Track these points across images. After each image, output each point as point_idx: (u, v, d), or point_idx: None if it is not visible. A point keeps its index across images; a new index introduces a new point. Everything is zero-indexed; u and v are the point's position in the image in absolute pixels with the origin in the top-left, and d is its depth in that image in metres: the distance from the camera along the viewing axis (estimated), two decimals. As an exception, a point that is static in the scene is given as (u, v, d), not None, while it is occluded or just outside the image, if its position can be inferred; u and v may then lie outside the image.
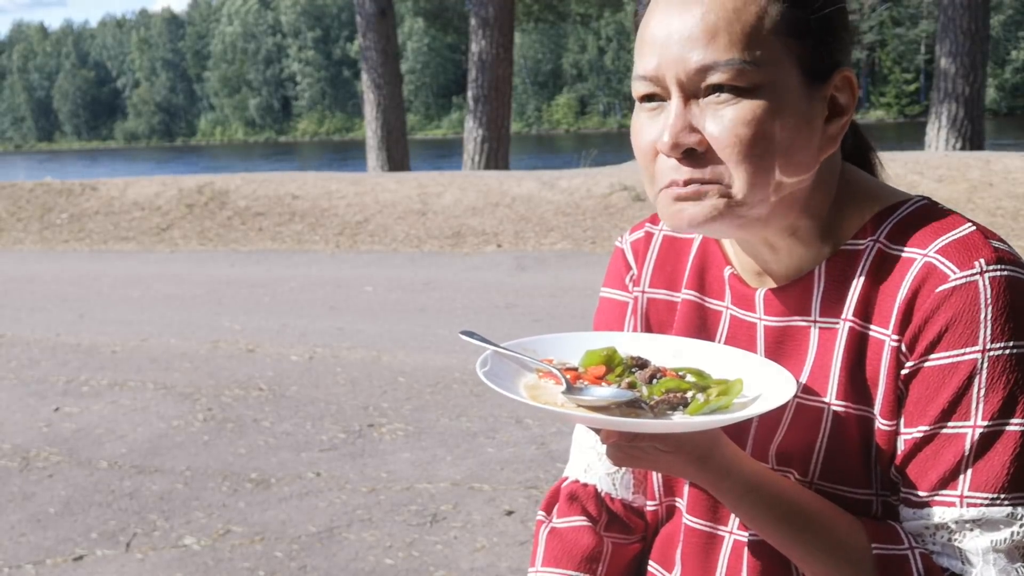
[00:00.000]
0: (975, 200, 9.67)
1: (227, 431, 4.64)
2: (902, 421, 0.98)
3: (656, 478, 1.19)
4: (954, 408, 0.94)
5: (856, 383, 1.00)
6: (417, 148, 34.34)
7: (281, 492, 3.89)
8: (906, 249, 0.98)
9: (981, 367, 0.92)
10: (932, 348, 0.95)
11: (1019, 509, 0.92)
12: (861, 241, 1.02)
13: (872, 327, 0.99)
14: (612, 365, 1.03)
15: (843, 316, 1.01)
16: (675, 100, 0.95)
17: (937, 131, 13.61)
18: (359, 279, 8.70)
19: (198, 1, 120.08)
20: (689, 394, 0.96)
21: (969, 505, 0.93)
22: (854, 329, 1.00)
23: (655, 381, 0.98)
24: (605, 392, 0.96)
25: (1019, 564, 0.93)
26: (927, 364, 0.95)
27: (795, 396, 1.03)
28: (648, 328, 1.19)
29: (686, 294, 1.16)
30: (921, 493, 0.96)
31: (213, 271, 9.50)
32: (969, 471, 0.93)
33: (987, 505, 0.92)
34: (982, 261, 0.93)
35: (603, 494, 1.23)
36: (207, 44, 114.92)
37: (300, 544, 3.42)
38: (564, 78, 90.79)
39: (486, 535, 3.44)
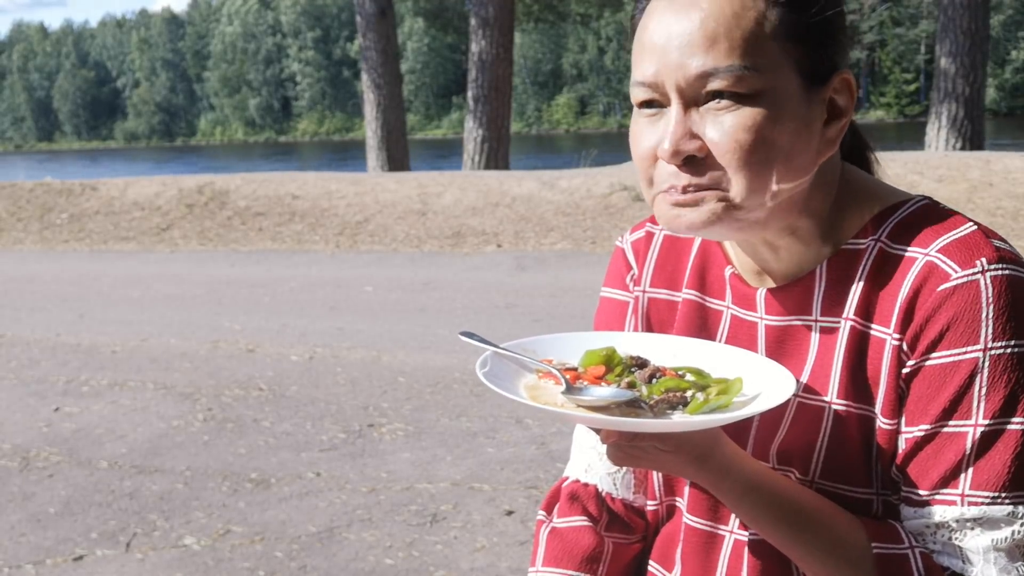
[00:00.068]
0: (975, 200, 9.67)
1: (227, 431, 4.64)
2: (903, 420, 0.98)
3: (656, 478, 1.19)
4: (955, 407, 0.94)
5: (857, 382, 1.00)
6: (417, 148, 34.34)
7: (281, 492, 3.89)
8: (907, 248, 0.98)
9: (982, 366, 0.92)
10: (933, 347, 0.95)
11: (1020, 508, 0.92)
12: (862, 241, 1.02)
13: (873, 326, 0.99)
14: (611, 365, 1.03)
15: (844, 315, 1.01)
16: (675, 106, 0.95)
17: (937, 131, 13.61)
18: (359, 279, 8.71)
19: (198, 1, 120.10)
20: (689, 393, 0.96)
21: (970, 504, 0.93)
22: (855, 328, 1.00)
23: (655, 380, 0.98)
24: (605, 392, 0.96)
25: (1020, 563, 0.93)
26: (928, 363, 0.95)
27: (795, 395, 1.03)
28: (649, 328, 1.19)
29: (687, 294, 1.16)
30: (922, 492, 0.96)
31: (213, 271, 9.50)
32: (970, 470, 0.93)
33: (988, 504, 0.92)
34: (983, 260, 0.93)
35: (604, 494, 1.23)
36: (207, 44, 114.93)
37: (300, 544, 3.42)
38: (564, 78, 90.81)
39: (486, 535, 3.44)
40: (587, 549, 1.19)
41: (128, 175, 16.86)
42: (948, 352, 0.94)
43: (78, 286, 8.91)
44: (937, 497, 0.95)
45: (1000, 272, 0.93)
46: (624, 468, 1.22)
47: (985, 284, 0.92)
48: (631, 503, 1.23)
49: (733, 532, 1.10)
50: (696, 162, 0.95)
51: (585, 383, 1.00)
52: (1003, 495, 0.92)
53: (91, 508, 3.80)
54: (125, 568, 3.30)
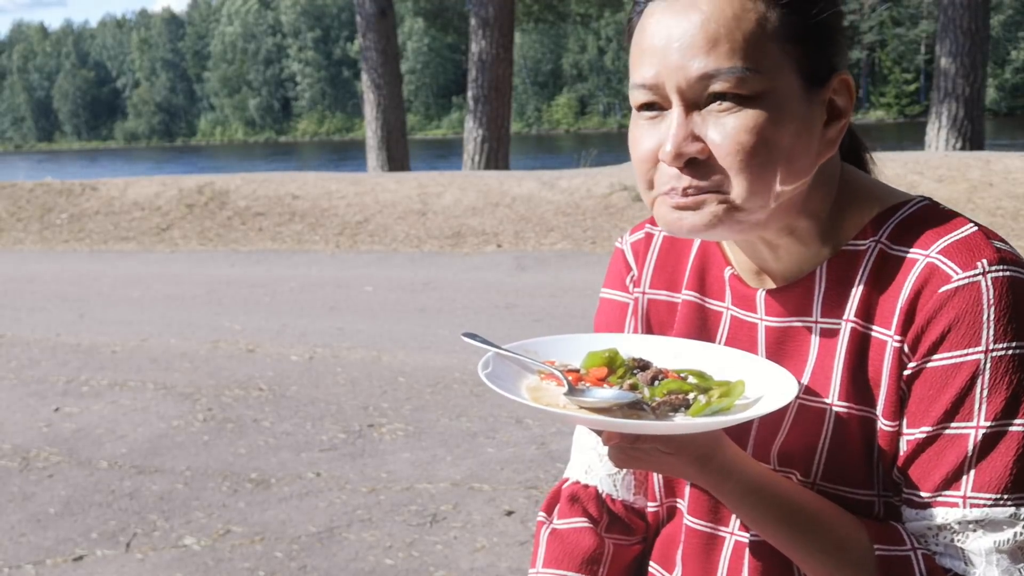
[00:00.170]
0: (975, 200, 9.67)
1: (227, 431, 4.64)
2: (904, 422, 0.98)
3: (657, 479, 1.19)
4: (957, 409, 0.94)
5: (858, 384, 1.00)
6: (417, 148, 34.35)
7: (281, 492, 3.89)
8: (908, 250, 0.98)
9: (984, 367, 0.92)
10: (935, 349, 0.94)
11: (1022, 509, 0.92)
12: (862, 242, 1.02)
13: (874, 328, 0.99)
14: (614, 367, 1.03)
15: (845, 317, 1.01)
16: (676, 109, 0.94)
17: (937, 131, 13.61)
18: (359, 279, 8.71)
19: (198, 1, 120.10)
20: (691, 395, 0.96)
21: (972, 506, 0.93)
22: (856, 330, 1.00)
23: (657, 383, 0.98)
24: (607, 394, 0.96)
25: (1022, 565, 0.93)
26: (930, 364, 0.95)
27: (797, 397, 1.03)
28: (648, 329, 1.19)
29: (686, 295, 1.15)
30: (924, 494, 0.96)
31: (213, 271, 9.50)
32: (972, 472, 0.93)
33: (990, 506, 0.92)
34: (985, 262, 0.93)
35: (604, 495, 1.23)
36: (207, 44, 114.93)
37: (300, 544, 3.42)
38: (564, 78, 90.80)
39: (486, 535, 3.44)
40: (587, 550, 1.19)
41: (128, 175, 16.86)
42: (949, 354, 0.94)
43: (78, 286, 8.91)
44: (939, 499, 0.95)
45: (1001, 273, 0.93)
46: (625, 469, 1.22)
47: (986, 286, 0.92)
48: (631, 504, 1.23)
49: (734, 533, 1.10)
50: (697, 164, 0.94)
51: (587, 385, 1.00)
52: (1005, 497, 0.92)
53: (91, 508, 3.80)
54: (125, 568, 3.30)
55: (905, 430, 0.98)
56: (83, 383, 5.55)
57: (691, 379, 0.99)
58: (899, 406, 0.98)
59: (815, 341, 1.04)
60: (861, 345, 1.00)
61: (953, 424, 0.94)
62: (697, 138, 0.94)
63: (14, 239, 12.20)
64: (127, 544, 3.48)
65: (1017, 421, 0.92)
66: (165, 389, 5.37)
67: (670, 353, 1.07)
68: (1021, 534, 0.92)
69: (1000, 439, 0.92)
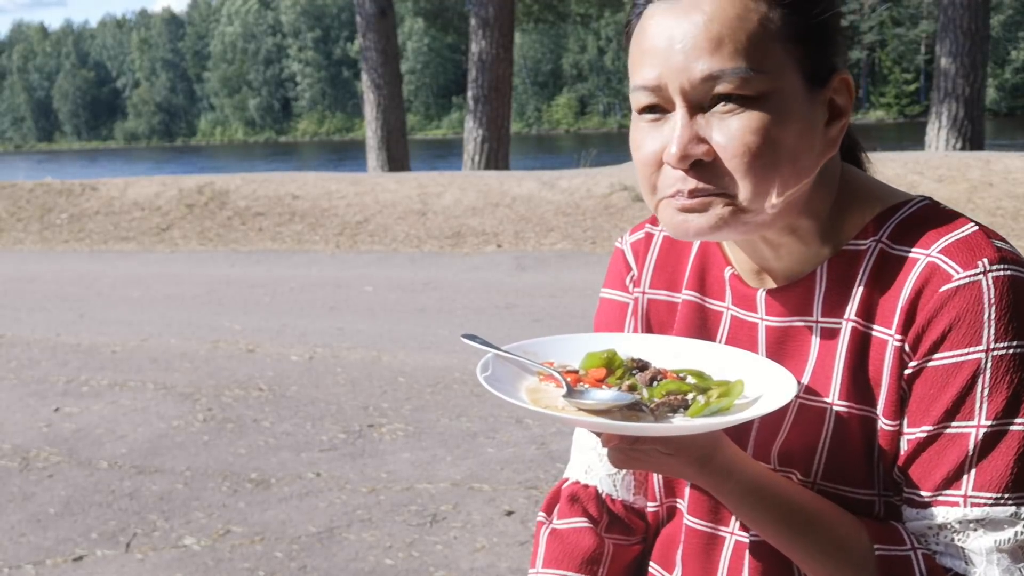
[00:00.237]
0: (975, 200, 9.67)
1: (227, 431, 4.64)
2: (905, 421, 0.98)
3: (657, 479, 1.19)
4: (958, 408, 0.93)
5: (858, 383, 1.00)
6: (417, 148, 34.35)
7: (281, 492, 3.89)
8: (909, 249, 0.98)
9: (985, 367, 0.92)
10: (936, 348, 0.94)
11: (1023, 509, 0.92)
12: (863, 241, 1.02)
13: (875, 327, 0.99)
14: (612, 367, 1.02)
15: (845, 316, 1.01)
16: (680, 110, 0.94)
17: (937, 131, 13.61)
18: (359, 279, 8.70)
19: (198, 1, 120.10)
20: (690, 396, 0.96)
21: (973, 505, 0.93)
22: (856, 329, 1.00)
23: (656, 383, 0.98)
24: (606, 395, 0.96)
25: (1023, 564, 0.93)
26: (931, 364, 0.95)
27: (797, 397, 1.03)
28: (648, 329, 1.19)
29: (686, 295, 1.15)
30: (924, 493, 0.96)
31: (213, 271, 9.50)
32: (973, 471, 0.93)
33: (991, 505, 0.92)
34: (985, 261, 0.93)
35: (604, 495, 1.23)
36: (207, 44, 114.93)
37: (300, 544, 3.42)
38: (564, 78, 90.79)
39: (486, 535, 3.44)
40: (587, 550, 1.19)
41: (128, 175, 16.86)
42: (950, 353, 0.94)
43: (78, 286, 8.91)
44: (940, 498, 0.95)
45: (1002, 273, 0.93)
46: (625, 470, 1.22)
47: (987, 285, 0.92)
48: (631, 504, 1.23)
49: (734, 533, 1.10)
50: (703, 166, 0.94)
51: (586, 386, 1.00)
52: (1006, 496, 0.92)
53: (91, 508, 3.80)
54: (125, 568, 3.30)
55: (906, 429, 0.98)
56: (83, 383, 5.55)
57: (690, 379, 0.99)
58: (900, 405, 0.98)
59: (815, 341, 1.04)
60: (862, 344, 1.00)
61: (954, 423, 0.94)
62: (702, 140, 0.94)
63: (14, 239, 12.20)
64: (127, 544, 3.48)
65: (1018, 420, 0.92)
66: (165, 389, 5.37)
67: (669, 353, 1.07)
68: (1021, 533, 0.92)
69: (1001, 438, 0.92)
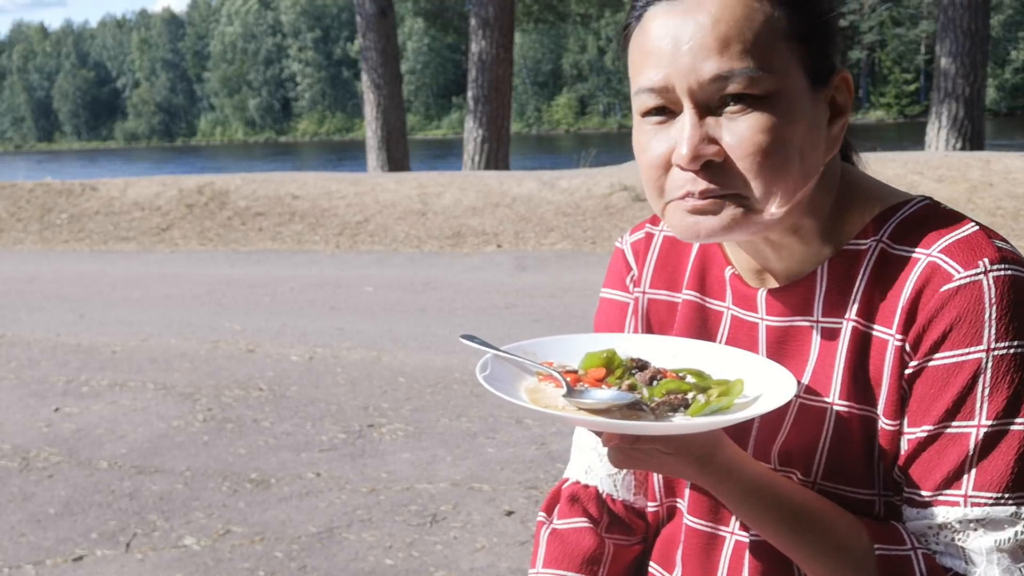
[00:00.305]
0: (975, 200, 9.67)
1: (227, 431, 4.64)
2: (905, 421, 0.98)
3: (657, 479, 1.19)
4: (958, 407, 0.93)
5: (859, 383, 1.00)
6: (417, 148, 34.35)
7: (281, 492, 3.89)
8: (909, 249, 0.98)
9: (985, 366, 0.92)
10: (936, 347, 0.94)
11: (1023, 508, 0.92)
12: (863, 241, 1.02)
13: (875, 327, 0.99)
14: (612, 367, 1.02)
15: (846, 316, 1.01)
16: (688, 111, 0.94)
17: (937, 131, 13.61)
18: (359, 279, 8.70)
19: (198, 1, 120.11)
20: (690, 395, 0.96)
21: (973, 505, 0.93)
22: (857, 329, 1.00)
23: (655, 383, 0.98)
24: (606, 395, 0.96)
25: (1023, 564, 0.93)
26: (931, 363, 0.95)
27: (797, 396, 1.03)
28: (649, 329, 1.19)
29: (687, 295, 1.15)
30: (925, 493, 0.96)
31: (213, 271, 9.50)
32: (973, 471, 0.93)
33: (991, 505, 0.92)
34: (986, 261, 0.93)
35: (604, 495, 1.23)
36: (207, 44, 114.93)
37: (300, 544, 3.42)
38: (564, 78, 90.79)
39: (486, 535, 3.44)
40: (588, 550, 1.19)
41: (128, 175, 16.86)
42: (951, 353, 0.94)
43: (78, 286, 8.91)
44: (940, 498, 0.95)
45: (1003, 272, 0.93)
46: (625, 470, 1.22)
47: (988, 285, 0.92)
48: (631, 504, 1.23)
49: (734, 533, 1.10)
50: (713, 167, 0.94)
51: (586, 386, 1.00)
52: (1006, 496, 0.92)
53: (91, 508, 3.80)
54: (125, 568, 3.30)
55: (906, 429, 0.98)
56: (83, 383, 5.55)
57: (690, 379, 0.99)
58: (900, 405, 0.98)
59: (816, 340, 1.04)
60: (862, 344, 1.00)
61: (954, 423, 0.94)
62: (713, 140, 0.93)
63: (14, 239, 12.20)
64: (127, 544, 3.48)
65: (1018, 420, 0.92)
66: (165, 389, 5.37)
67: (669, 353, 1.07)
68: (1022, 533, 0.92)
69: (1001, 438, 0.92)
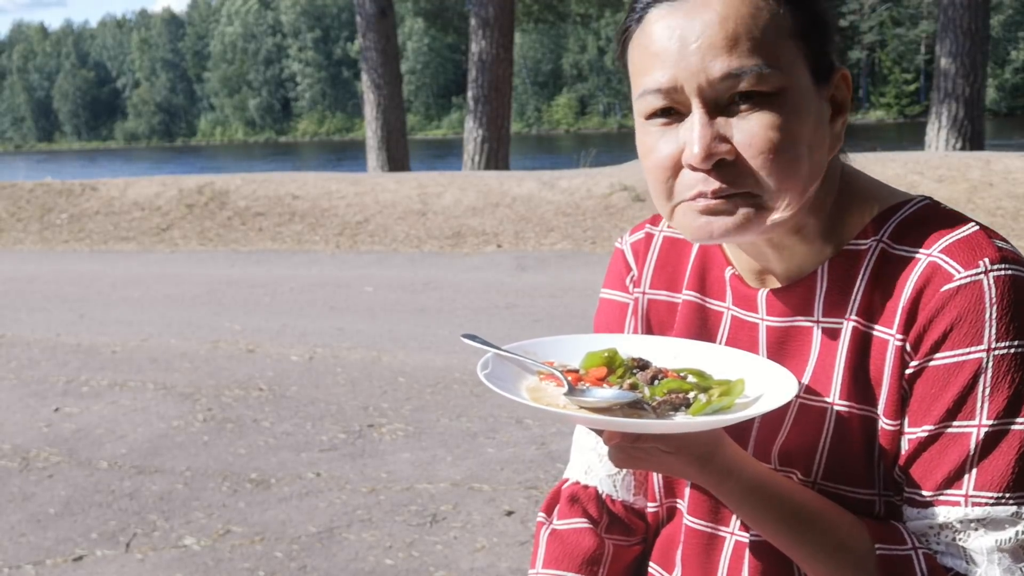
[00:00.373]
0: (975, 200, 9.67)
1: (227, 431, 4.64)
2: (906, 421, 0.98)
3: (657, 479, 1.19)
4: (959, 407, 0.93)
5: (859, 383, 1.00)
6: (417, 148, 34.35)
7: (281, 492, 3.89)
8: (910, 249, 0.98)
9: (986, 366, 0.92)
10: (937, 347, 0.94)
11: (1024, 508, 0.92)
12: (864, 241, 1.01)
13: (876, 327, 0.99)
14: (613, 366, 1.02)
15: (846, 316, 1.01)
16: (697, 111, 0.93)
17: (937, 131, 13.61)
18: (359, 279, 8.70)
19: (198, 1, 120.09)
20: (691, 395, 0.96)
21: (974, 504, 0.93)
22: (858, 329, 1.00)
23: (657, 382, 0.98)
24: (607, 393, 0.96)
25: None
26: (932, 363, 0.95)
27: (797, 396, 1.03)
28: (649, 329, 1.19)
29: (687, 295, 1.15)
30: (925, 493, 0.96)
31: (213, 271, 9.50)
32: (974, 470, 0.93)
33: (992, 504, 0.92)
34: (986, 260, 0.93)
35: (604, 496, 1.23)
36: (207, 44, 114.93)
37: (300, 544, 3.42)
38: (564, 78, 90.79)
39: (486, 535, 3.43)
40: (587, 551, 1.19)
41: (128, 175, 16.86)
42: (952, 352, 0.94)
43: (78, 286, 8.91)
44: (941, 498, 0.95)
45: (1003, 272, 0.93)
46: (624, 470, 1.22)
47: (988, 284, 0.92)
48: (631, 505, 1.23)
49: (734, 534, 1.10)
50: (725, 166, 0.93)
51: (587, 385, 1.00)
52: (1007, 496, 0.92)
53: (91, 508, 3.80)
54: (125, 568, 3.30)
55: (907, 429, 0.97)
56: (83, 383, 5.54)
57: (691, 378, 0.99)
58: (901, 405, 0.98)
59: (816, 340, 1.04)
60: (863, 344, 1.00)
61: (955, 423, 0.94)
62: (724, 139, 0.93)
63: (14, 239, 12.20)
64: (127, 544, 3.48)
65: (1019, 420, 0.92)
66: (165, 389, 5.36)
67: (669, 353, 1.07)
68: (1022, 533, 0.92)
69: (1002, 438, 0.92)
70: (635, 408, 0.95)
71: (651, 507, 1.21)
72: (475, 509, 3.65)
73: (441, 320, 6.82)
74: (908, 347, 0.96)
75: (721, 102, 0.93)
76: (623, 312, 1.21)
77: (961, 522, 0.94)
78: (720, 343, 1.11)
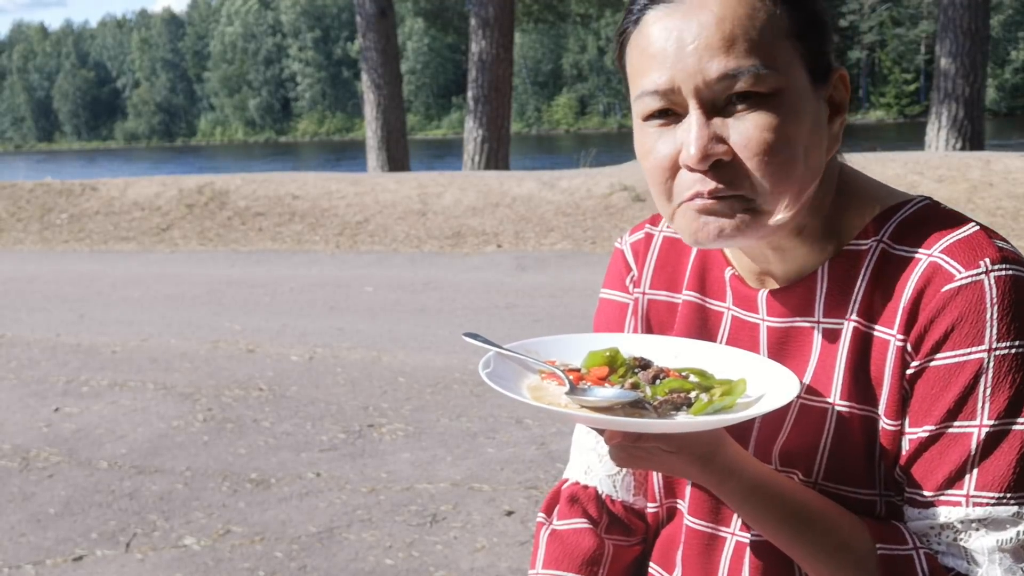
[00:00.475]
0: (975, 200, 9.67)
1: (227, 431, 4.64)
2: (907, 421, 0.98)
3: (657, 480, 1.19)
4: (960, 407, 0.93)
5: (860, 383, 1.00)
6: (417, 148, 34.35)
7: (281, 492, 3.89)
8: (910, 249, 0.98)
9: (987, 366, 0.92)
10: (938, 347, 0.94)
11: (1025, 508, 0.92)
12: (864, 241, 1.01)
13: (876, 327, 0.99)
14: (615, 366, 1.02)
15: (847, 316, 1.01)
16: (695, 112, 0.93)
17: (937, 131, 13.61)
18: (359, 279, 8.70)
19: (198, 1, 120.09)
20: (692, 394, 0.96)
21: (975, 504, 0.93)
22: (858, 329, 1.00)
23: (658, 381, 0.98)
24: (609, 393, 0.96)
25: (1025, 564, 0.93)
26: (933, 363, 0.95)
27: (799, 396, 1.03)
28: (648, 329, 1.19)
29: (687, 295, 1.15)
30: (926, 493, 0.96)
31: (213, 271, 9.50)
32: (975, 470, 0.93)
33: (993, 504, 0.92)
34: (987, 260, 0.93)
35: (604, 496, 1.23)
36: (207, 44, 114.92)
37: (300, 544, 3.42)
38: (564, 78, 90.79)
39: (486, 535, 3.43)
40: (587, 551, 1.19)
41: (128, 175, 16.86)
42: (953, 353, 0.94)
43: (78, 286, 8.90)
44: (942, 498, 0.95)
45: (1004, 272, 0.93)
46: (624, 470, 1.21)
47: (989, 285, 0.92)
48: (631, 505, 1.23)
49: (735, 534, 1.10)
50: (722, 167, 0.93)
51: (588, 384, 1.00)
52: (1008, 496, 0.92)
53: (91, 508, 3.80)
54: (125, 568, 3.30)
55: (908, 429, 0.97)
56: (83, 383, 5.54)
57: (693, 378, 0.99)
58: (901, 405, 0.98)
59: (817, 341, 1.04)
60: (863, 344, 1.00)
61: (956, 423, 0.94)
62: (721, 139, 0.93)
63: (14, 239, 12.20)
64: (127, 544, 3.48)
65: (1020, 420, 0.92)
66: (165, 389, 5.36)
67: (670, 353, 1.07)
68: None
69: (1003, 438, 0.92)
70: (636, 407, 0.95)
71: (651, 507, 1.21)
72: (475, 509, 3.65)
73: (441, 320, 6.82)
74: (909, 347, 0.96)
75: (718, 103, 0.93)
76: (623, 312, 1.21)
77: (962, 522, 0.94)
78: (721, 343, 1.11)
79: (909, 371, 0.97)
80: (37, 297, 8.40)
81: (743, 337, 1.09)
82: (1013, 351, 0.91)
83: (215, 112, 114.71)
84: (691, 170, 0.94)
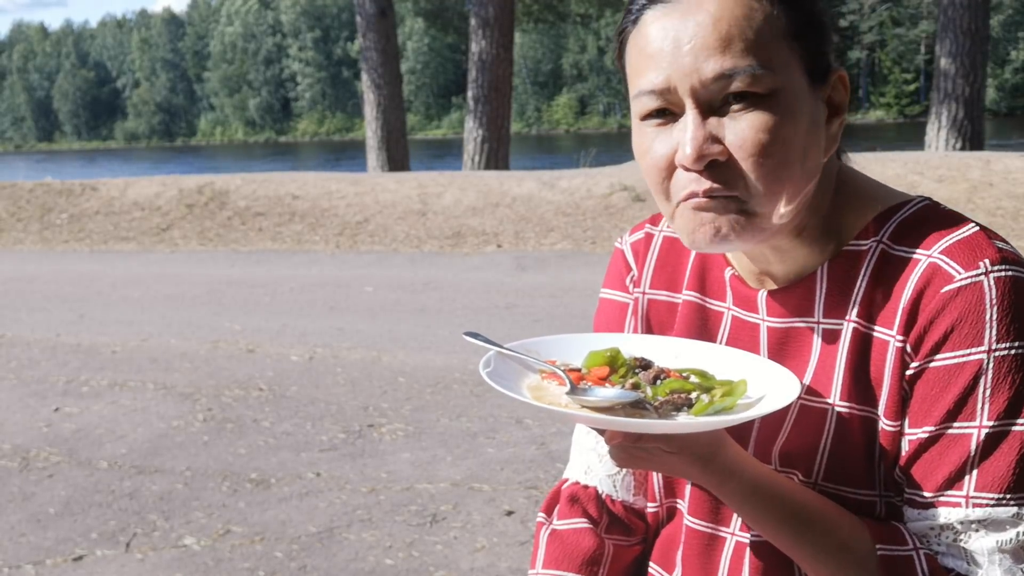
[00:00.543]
0: (975, 200, 9.67)
1: (227, 431, 4.64)
2: (907, 422, 0.98)
3: (657, 480, 1.19)
4: (960, 408, 0.93)
5: (860, 384, 1.00)
6: (417, 148, 34.35)
7: (281, 492, 3.89)
8: (910, 250, 0.98)
9: (987, 367, 0.92)
10: (938, 348, 0.94)
11: (1024, 509, 0.92)
12: (864, 242, 1.01)
13: (876, 328, 0.99)
14: (616, 366, 1.02)
15: (847, 317, 1.01)
16: (691, 112, 0.93)
17: (937, 131, 13.61)
18: (359, 279, 8.70)
19: (198, 1, 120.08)
20: (693, 395, 0.96)
21: (975, 505, 0.93)
22: (858, 330, 1.00)
23: (659, 382, 0.98)
24: (609, 393, 0.96)
25: (1024, 565, 0.93)
26: (932, 364, 0.95)
27: (799, 397, 1.03)
28: (648, 329, 1.19)
29: (687, 295, 1.15)
30: (926, 494, 0.96)
31: (213, 271, 9.50)
32: (975, 471, 0.93)
33: (993, 505, 0.92)
34: (987, 261, 0.93)
35: (604, 496, 1.23)
36: (207, 44, 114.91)
37: (300, 544, 3.42)
38: (564, 78, 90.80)
39: (486, 535, 3.44)
40: (587, 551, 1.19)
41: (128, 175, 16.86)
42: (952, 354, 0.94)
43: (78, 286, 8.90)
44: (942, 499, 0.95)
45: (1004, 273, 0.93)
46: (624, 470, 1.22)
47: (989, 286, 0.92)
48: (631, 505, 1.23)
49: (734, 534, 1.10)
50: (717, 167, 0.93)
51: (589, 384, 1.00)
52: (1008, 497, 0.92)
53: (91, 508, 3.80)
54: (125, 568, 3.30)
55: (907, 430, 0.97)
56: (83, 383, 5.54)
57: (693, 378, 0.99)
58: (901, 406, 0.98)
59: (817, 341, 1.04)
60: (863, 345, 1.00)
61: (956, 424, 0.94)
62: (717, 139, 0.93)
63: (14, 239, 12.20)
64: (127, 544, 3.48)
65: (1020, 421, 0.92)
66: (165, 389, 5.36)
67: (671, 353, 1.07)
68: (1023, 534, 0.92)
69: (1003, 439, 0.92)
70: (637, 408, 0.95)
71: (651, 507, 1.21)
72: (475, 509, 3.65)
73: (441, 320, 6.82)
74: (908, 348, 0.96)
75: (714, 103, 0.93)
76: (623, 312, 1.21)
77: (962, 523, 0.94)
78: (721, 344, 1.11)
79: (909, 372, 0.97)
80: (37, 297, 8.41)
81: (743, 337, 1.09)
82: (1013, 352, 0.91)
83: (215, 112, 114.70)
84: (687, 170, 0.94)
